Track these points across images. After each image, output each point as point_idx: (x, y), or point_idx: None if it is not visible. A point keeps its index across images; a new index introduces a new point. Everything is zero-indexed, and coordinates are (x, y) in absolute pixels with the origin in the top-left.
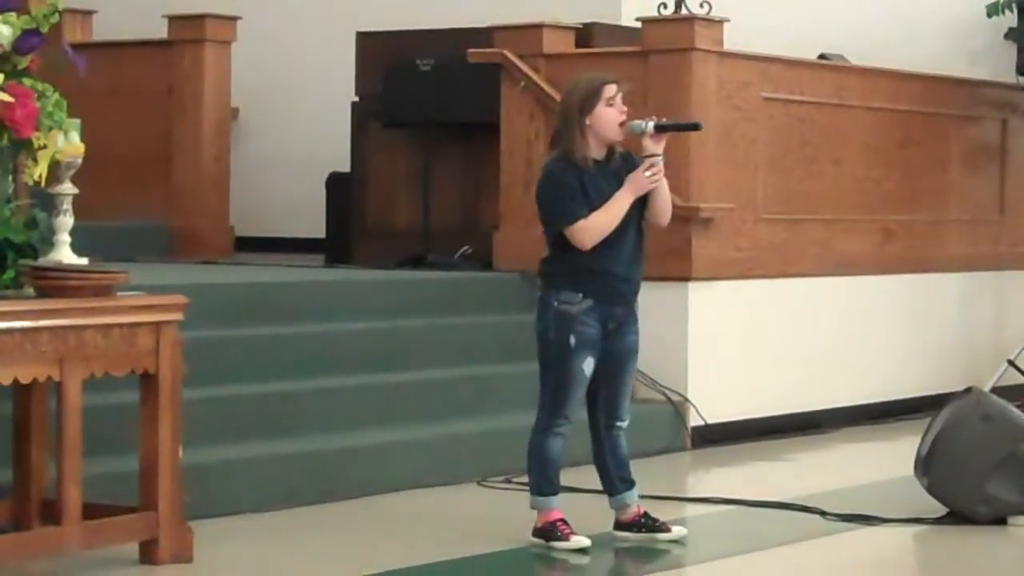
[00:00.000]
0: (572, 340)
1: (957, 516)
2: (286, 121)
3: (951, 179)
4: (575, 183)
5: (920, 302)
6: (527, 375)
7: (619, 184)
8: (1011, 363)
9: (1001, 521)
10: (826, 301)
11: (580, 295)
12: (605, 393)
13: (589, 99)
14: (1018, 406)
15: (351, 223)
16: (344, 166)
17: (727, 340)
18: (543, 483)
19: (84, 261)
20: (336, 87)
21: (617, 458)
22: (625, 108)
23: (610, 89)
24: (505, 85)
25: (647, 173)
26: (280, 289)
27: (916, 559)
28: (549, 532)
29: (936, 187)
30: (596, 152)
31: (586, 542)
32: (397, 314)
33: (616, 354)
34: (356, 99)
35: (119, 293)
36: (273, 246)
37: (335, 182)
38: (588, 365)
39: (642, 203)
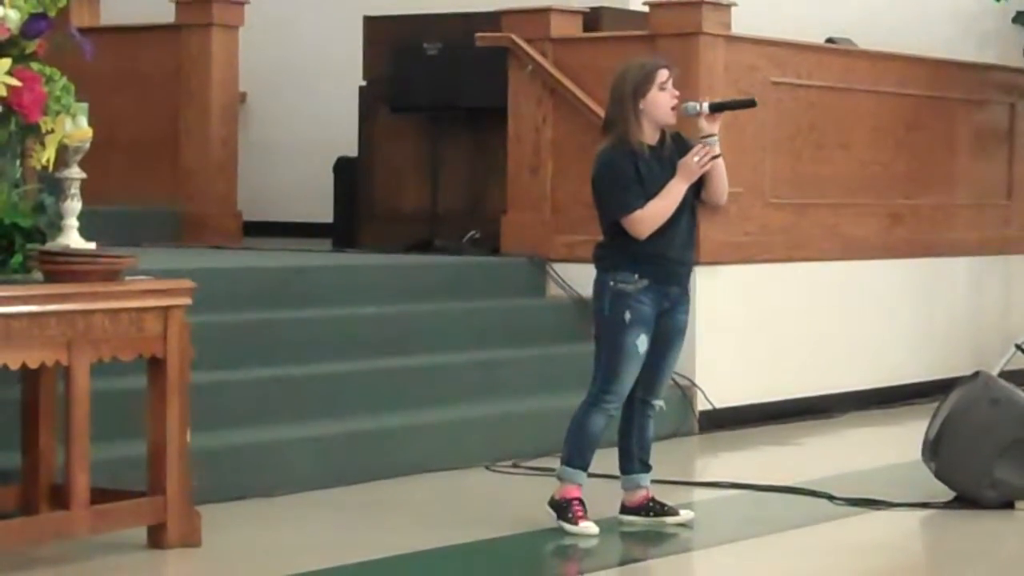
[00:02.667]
0: (627, 316)
1: (965, 500)
2: (294, 106)
3: (959, 163)
4: (631, 171)
5: (928, 286)
6: (535, 359)
7: (672, 169)
8: (1019, 347)
9: (1009, 505)
10: (834, 285)
11: (636, 275)
12: (649, 370)
13: (642, 84)
14: None
15: (359, 207)
16: (352, 150)
17: (735, 325)
18: (575, 455)
19: (92, 245)
20: (344, 71)
21: (643, 439)
22: (677, 92)
23: (663, 74)
24: (513, 69)
25: (696, 158)
26: (288, 274)
27: (924, 543)
28: (563, 509)
29: (944, 171)
30: (650, 137)
31: (594, 530)
32: (405, 298)
33: (667, 332)
34: (364, 83)
35: (127, 278)
36: (281, 231)
37: (343, 166)
38: (642, 343)
39: (696, 186)
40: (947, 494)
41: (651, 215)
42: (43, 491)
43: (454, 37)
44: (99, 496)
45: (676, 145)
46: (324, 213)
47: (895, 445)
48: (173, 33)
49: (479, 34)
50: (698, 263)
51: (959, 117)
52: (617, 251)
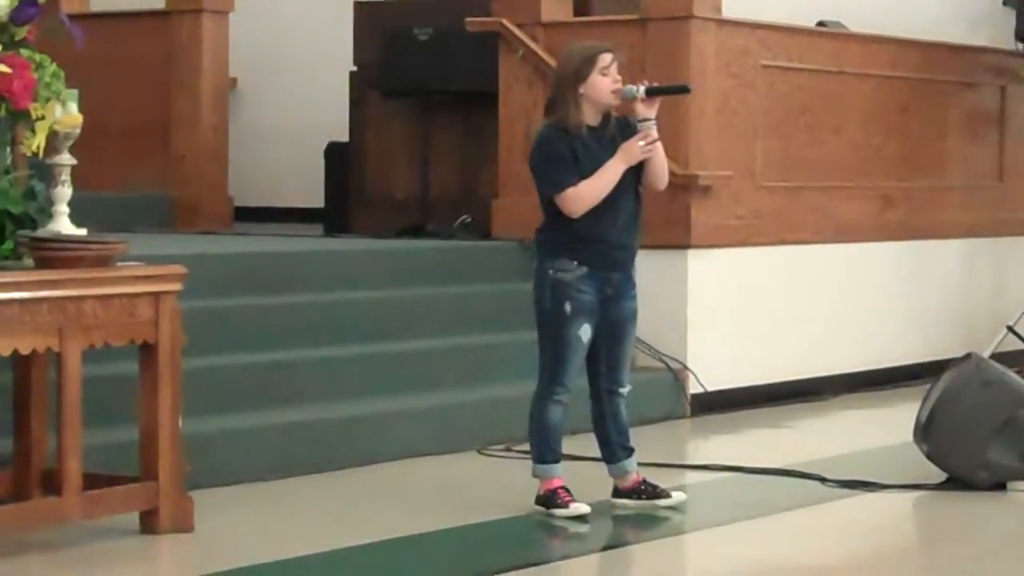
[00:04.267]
0: (568, 307)
1: (957, 482)
2: (284, 91)
3: (950, 146)
4: (566, 151)
5: (919, 269)
6: (527, 343)
7: (615, 150)
8: (1011, 329)
9: (1001, 487)
10: (825, 268)
11: (575, 263)
12: (605, 360)
13: (584, 68)
14: (1017, 372)
15: (350, 192)
16: (343, 136)
17: (726, 308)
18: (544, 451)
19: (83, 232)
20: (334, 57)
21: (618, 425)
22: (619, 77)
23: (605, 58)
24: (503, 54)
25: (641, 143)
26: (279, 259)
27: (916, 525)
28: (549, 499)
29: (935, 154)
30: (591, 119)
31: (585, 509)
32: (396, 283)
33: (615, 321)
34: (354, 69)
35: (118, 263)
36: (272, 216)
37: (334, 152)
38: (585, 332)
39: (638, 169)
40: (939, 476)
41: (585, 194)
42: (35, 477)
43: (444, 22)
44: (91, 482)
45: (620, 129)
46: (315, 198)
47: (887, 427)
48: (163, 19)
49: (469, 19)
50: (690, 246)
51: (950, 100)
52: (556, 235)
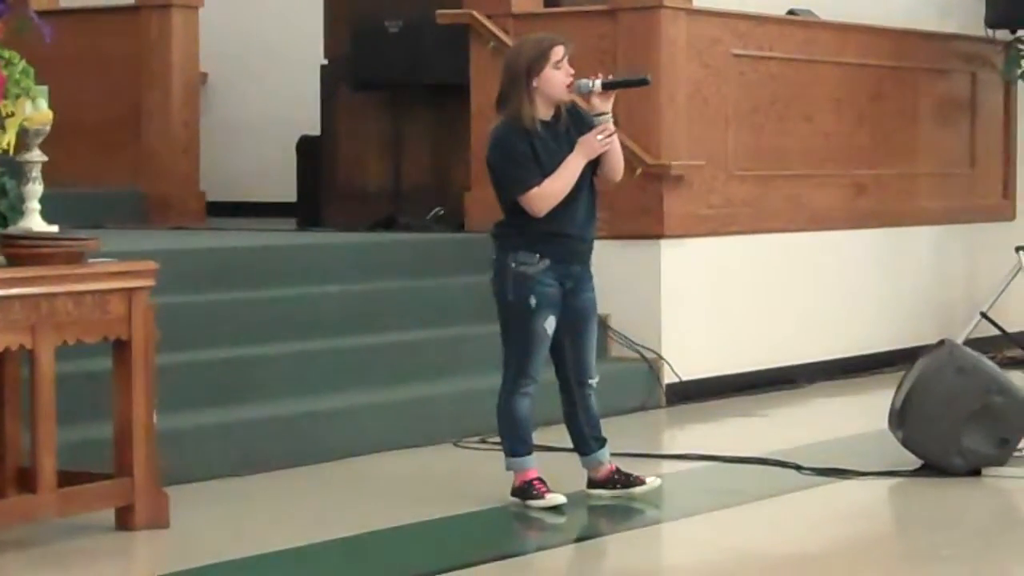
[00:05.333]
0: (533, 301)
1: (932, 468)
2: (255, 85)
3: (922, 133)
4: (526, 149)
5: (892, 256)
6: (500, 335)
7: (569, 143)
8: (984, 315)
9: (976, 472)
10: (798, 256)
11: (537, 256)
12: (572, 353)
13: (536, 62)
14: (991, 358)
15: (322, 186)
16: (314, 129)
17: (700, 297)
18: (516, 444)
19: (54, 229)
20: (305, 50)
21: (589, 416)
22: (572, 70)
23: (558, 51)
24: (474, 46)
25: (599, 137)
26: (252, 253)
27: (892, 511)
28: (525, 491)
29: (907, 141)
30: (544, 113)
31: (561, 499)
32: (370, 277)
33: (577, 313)
34: (325, 62)
35: (90, 260)
36: (244, 210)
37: (305, 145)
38: (550, 324)
39: (594, 163)
40: (914, 462)
41: (549, 192)
42: (9, 475)
43: (415, 14)
44: (66, 479)
45: (572, 119)
46: (287, 193)
47: (862, 414)
48: (133, 15)
49: (440, 11)
50: (663, 236)
51: (921, 87)
52: (516, 230)
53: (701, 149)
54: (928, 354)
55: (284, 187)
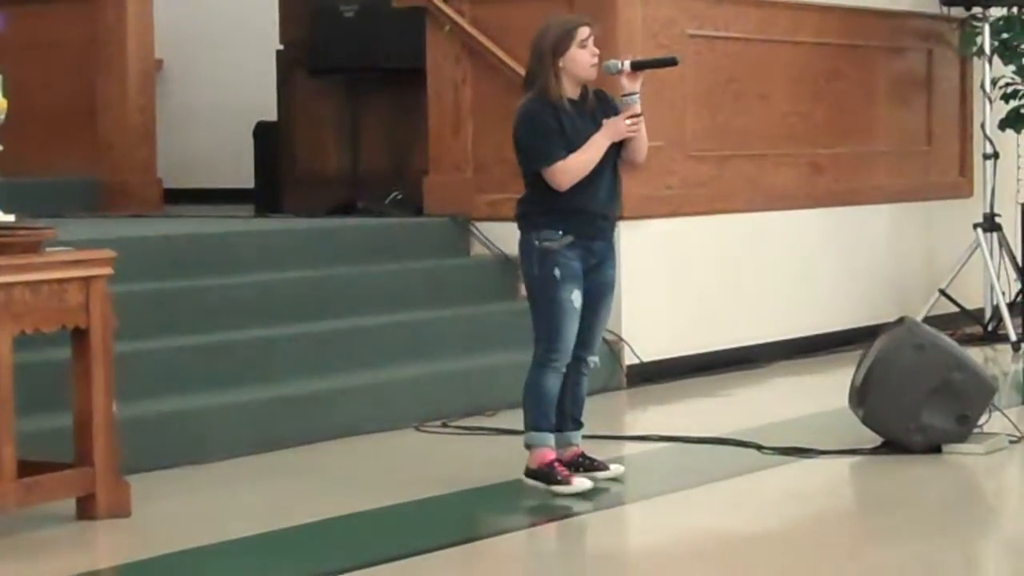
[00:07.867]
0: (557, 272)
1: (893, 446)
2: (211, 71)
3: (878, 111)
4: (553, 123)
5: (850, 234)
6: (460, 319)
7: (595, 124)
8: (943, 292)
9: (936, 449)
10: (757, 236)
11: (560, 232)
12: (581, 328)
13: (562, 41)
14: (950, 335)
15: (280, 172)
16: (271, 115)
17: (660, 278)
18: (539, 419)
19: (11, 218)
20: (260, 35)
21: (576, 396)
22: (597, 50)
23: (583, 31)
24: (431, 30)
25: (628, 121)
26: (210, 240)
27: (853, 489)
28: (548, 475)
29: (863, 119)
30: (571, 92)
31: (589, 484)
32: (329, 262)
33: (596, 288)
34: (281, 47)
35: (47, 249)
36: (202, 197)
37: (263, 131)
38: (576, 298)
39: (619, 144)
40: (875, 440)
41: (573, 166)
42: None
43: None
44: (26, 469)
45: (600, 102)
46: (245, 178)
47: (822, 393)
48: (88, 2)
49: None
50: (622, 218)
51: (877, 65)
52: (539, 206)
53: (658, 130)
54: (887, 332)
55: (242, 173)
